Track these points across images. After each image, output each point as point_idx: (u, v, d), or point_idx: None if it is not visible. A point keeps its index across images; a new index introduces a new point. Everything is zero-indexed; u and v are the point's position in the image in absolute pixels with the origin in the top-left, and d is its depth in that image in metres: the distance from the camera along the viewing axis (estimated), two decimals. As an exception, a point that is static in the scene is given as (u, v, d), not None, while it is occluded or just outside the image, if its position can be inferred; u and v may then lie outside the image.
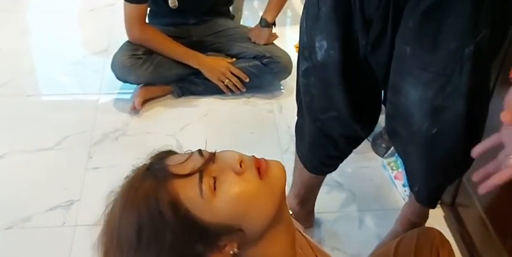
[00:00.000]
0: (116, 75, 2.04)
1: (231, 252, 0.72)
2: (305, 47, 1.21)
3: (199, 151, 0.75)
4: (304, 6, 1.20)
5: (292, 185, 1.55)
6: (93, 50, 2.38)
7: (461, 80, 1.05)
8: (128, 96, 2.10)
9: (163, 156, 0.76)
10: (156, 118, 2.04)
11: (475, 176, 0.88)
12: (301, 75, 1.26)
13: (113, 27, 2.45)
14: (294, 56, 2.23)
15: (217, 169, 0.72)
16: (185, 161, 0.72)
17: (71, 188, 1.72)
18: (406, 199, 1.63)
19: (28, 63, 2.34)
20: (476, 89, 1.09)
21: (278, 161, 0.75)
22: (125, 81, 2.07)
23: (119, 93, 2.14)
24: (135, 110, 2.04)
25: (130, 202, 0.71)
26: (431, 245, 1.26)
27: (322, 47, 1.15)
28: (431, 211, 1.56)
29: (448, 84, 1.06)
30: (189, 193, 0.69)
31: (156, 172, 0.71)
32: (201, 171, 0.70)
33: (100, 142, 1.92)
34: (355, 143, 1.41)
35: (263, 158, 0.75)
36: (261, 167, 0.73)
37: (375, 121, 1.35)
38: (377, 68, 1.15)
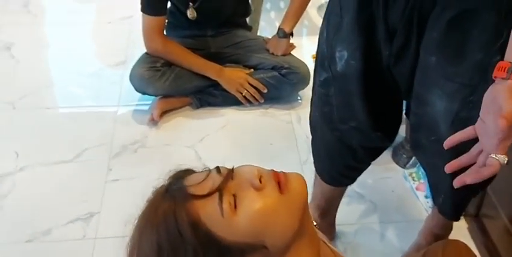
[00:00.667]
0: (134, 87, 2.04)
1: None
2: (325, 57, 1.20)
3: (217, 168, 0.74)
4: (324, 16, 1.19)
5: (312, 197, 1.53)
6: (111, 63, 2.39)
7: (486, 91, 1.04)
8: (146, 108, 2.11)
9: (181, 175, 0.75)
10: (174, 130, 2.04)
11: (448, 168, 0.89)
12: (320, 85, 1.25)
13: (131, 40, 2.47)
14: (311, 66, 2.22)
15: (236, 185, 0.71)
16: (203, 180, 0.72)
17: (90, 201, 1.72)
18: (429, 210, 1.61)
19: (46, 76, 2.36)
20: None
21: (298, 173, 0.74)
22: (143, 93, 2.08)
23: (137, 105, 2.15)
24: (153, 122, 2.04)
25: (150, 223, 0.71)
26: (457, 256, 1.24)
27: (342, 57, 1.13)
28: (454, 222, 1.53)
29: (474, 94, 1.04)
30: (209, 212, 0.68)
31: (175, 193, 0.71)
32: (220, 190, 0.70)
33: (119, 154, 1.92)
34: (374, 153, 1.39)
35: (282, 172, 0.74)
36: (280, 181, 0.72)
37: (395, 132, 1.33)
38: (400, 79, 1.13)
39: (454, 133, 1.13)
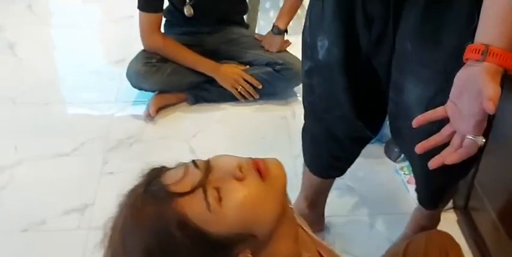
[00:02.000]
0: (131, 83, 2.07)
1: None
2: (307, 47, 1.21)
3: (193, 162, 0.72)
4: (308, 7, 1.21)
5: (301, 189, 1.55)
6: (111, 60, 2.42)
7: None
8: (144, 104, 2.12)
9: (156, 174, 0.73)
10: (170, 125, 2.06)
11: (418, 148, 0.90)
12: (304, 75, 1.26)
13: (131, 39, 2.48)
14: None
15: (217, 178, 0.70)
16: (183, 177, 0.70)
17: (85, 193, 1.74)
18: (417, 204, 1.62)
19: (47, 73, 2.39)
20: None
21: (275, 159, 0.75)
22: (140, 89, 2.10)
23: (134, 101, 2.17)
24: (150, 117, 2.06)
25: (135, 227, 0.69)
26: (441, 248, 1.23)
27: (323, 46, 1.15)
28: (443, 215, 1.54)
29: (449, 81, 1.04)
30: (195, 209, 0.67)
31: (156, 194, 0.69)
32: (203, 185, 0.69)
33: (115, 148, 1.94)
34: (360, 144, 1.39)
35: (260, 159, 0.74)
36: (260, 168, 0.72)
37: (381, 121, 1.34)
38: (380, 67, 1.14)
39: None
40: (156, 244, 0.67)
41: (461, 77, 0.86)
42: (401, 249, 1.24)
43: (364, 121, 1.26)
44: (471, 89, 0.83)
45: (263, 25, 2.60)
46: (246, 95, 2.10)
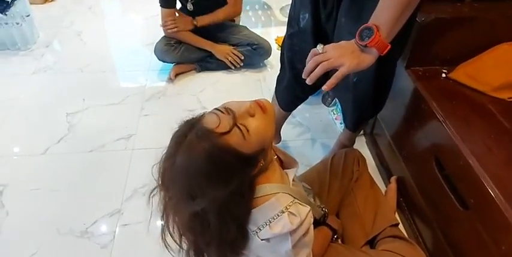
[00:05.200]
0: (157, 57, 1.98)
1: (261, 164, 0.73)
2: (292, 19, 1.15)
3: (220, 110, 0.71)
4: None
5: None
6: (144, 43, 2.31)
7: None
8: (167, 72, 2.05)
9: (196, 120, 0.71)
10: (184, 84, 1.99)
11: (308, 81, 0.86)
12: (287, 38, 1.20)
13: (158, 29, 2.37)
14: (273, 45, 2.15)
15: (239, 117, 0.69)
16: (220, 121, 0.69)
17: (130, 127, 1.71)
18: (341, 130, 1.59)
19: (104, 52, 2.28)
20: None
21: (265, 99, 0.75)
22: (163, 61, 2.01)
23: (160, 70, 2.09)
24: (171, 80, 1.99)
25: (188, 158, 0.66)
26: (354, 158, 1.23)
27: (304, 18, 1.09)
28: (357, 138, 1.54)
29: None
30: (236, 140, 0.67)
31: (208, 135, 0.67)
32: (236, 124, 0.69)
33: (149, 99, 1.88)
34: (315, 89, 1.34)
35: (259, 100, 0.74)
36: (261, 106, 0.72)
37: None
38: (330, 33, 1.09)
39: (353, 73, 1.09)
40: (212, 165, 0.66)
41: (347, 43, 0.83)
42: (329, 158, 1.25)
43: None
44: (341, 52, 0.82)
45: (253, 21, 2.49)
46: (234, 63, 2.02)
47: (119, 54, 2.24)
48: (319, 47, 0.83)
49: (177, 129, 0.71)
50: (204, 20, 1.93)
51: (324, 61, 0.83)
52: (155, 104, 1.85)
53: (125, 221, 1.29)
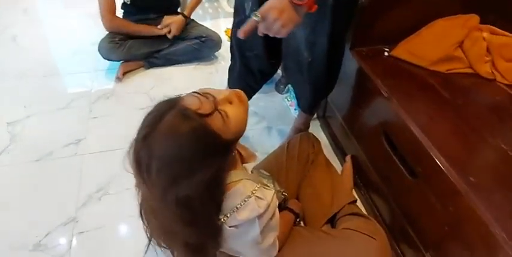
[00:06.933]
0: (102, 55, 1.89)
1: (233, 154, 0.75)
2: (239, 7, 1.14)
3: (199, 94, 0.70)
4: None
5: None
6: (89, 42, 2.19)
7: (325, 23, 1.00)
8: (114, 71, 1.97)
9: (176, 101, 0.68)
10: (133, 83, 1.92)
11: (240, 35, 0.86)
12: (235, 26, 1.19)
13: (102, 27, 2.26)
14: (223, 37, 2.12)
15: (220, 103, 0.69)
16: (202, 104, 0.68)
17: (78, 131, 1.62)
18: (296, 116, 1.61)
19: (46, 55, 2.15)
20: (335, 31, 1.03)
21: (240, 90, 0.75)
22: (109, 60, 1.93)
23: (108, 69, 2.00)
24: (118, 79, 1.91)
25: (168, 138, 0.64)
26: (309, 141, 1.25)
27: (248, 6, 1.08)
28: (311, 122, 1.55)
29: (318, 25, 0.99)
30: (217, 123, 0.67)
31: (191, 115, 0.65)
32: (217, 108, 0.68)
33: (97, 101, 1.80)
34: (266, 78, 1.35)
35: (236, 90, 0.75)
36: (238, 96, 0.73)
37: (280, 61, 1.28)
38: None
39: (307, 54, 1.10)
40: (193, 145, 0.64)
41: (280, 2, 0.82)
42: (286, 143, 1.25)
43: (272, 59, 1.22)
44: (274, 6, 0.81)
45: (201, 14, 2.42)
46: (171, 34, 1.92)
47: (61, 57, 2.12)
48: (256, 16, 0.83)
49: (151, 110, 0.68)
50: (189, 10, 1.92)
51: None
52: (104, 105, 1.77)
53: (81, 228, 1.23)
